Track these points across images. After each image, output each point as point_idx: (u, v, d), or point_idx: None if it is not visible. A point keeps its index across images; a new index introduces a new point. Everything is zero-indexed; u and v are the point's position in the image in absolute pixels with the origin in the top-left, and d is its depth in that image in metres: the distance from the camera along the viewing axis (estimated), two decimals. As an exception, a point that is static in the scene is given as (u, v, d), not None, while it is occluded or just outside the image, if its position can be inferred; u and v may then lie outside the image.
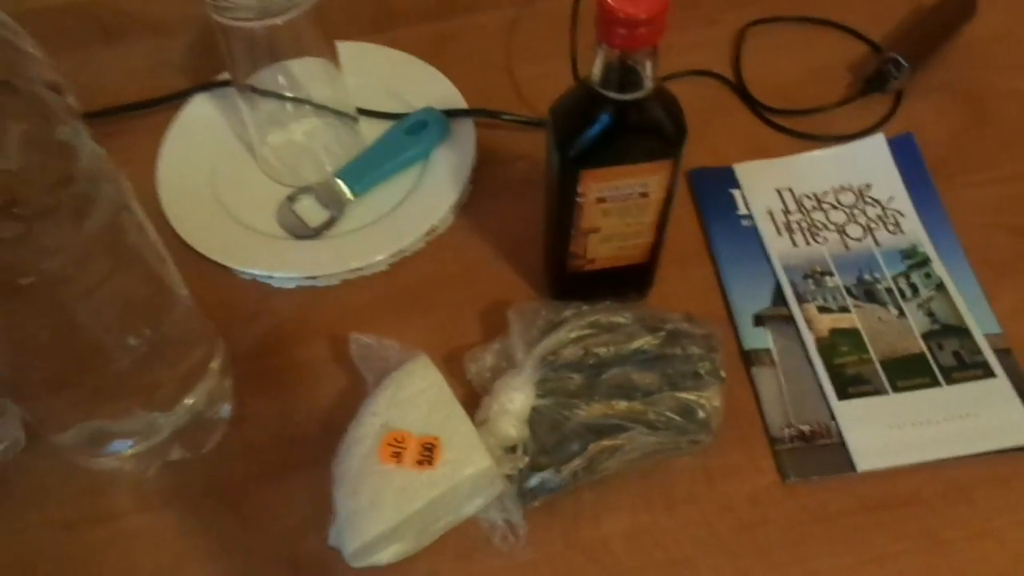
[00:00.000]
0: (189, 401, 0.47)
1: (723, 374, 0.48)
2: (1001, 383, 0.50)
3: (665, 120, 0.42)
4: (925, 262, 0.56)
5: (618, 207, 0.46)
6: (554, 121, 0.44)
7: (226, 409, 0.50)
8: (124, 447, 0.46)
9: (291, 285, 0.56)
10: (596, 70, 0.40)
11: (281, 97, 0.60)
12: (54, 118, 0.31)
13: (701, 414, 0.47)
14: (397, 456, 0.42)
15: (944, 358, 0.51)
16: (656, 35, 0.38)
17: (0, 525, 0.47)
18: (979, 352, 0.52)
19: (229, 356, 0.50)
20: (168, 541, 0.47)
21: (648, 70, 0.40)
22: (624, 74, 0.39)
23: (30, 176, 0.30)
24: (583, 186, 0.44)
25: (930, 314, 0.53)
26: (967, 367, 0.51)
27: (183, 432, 0.48)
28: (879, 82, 0.65)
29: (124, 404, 0.44)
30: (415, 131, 0.60)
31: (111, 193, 0.35)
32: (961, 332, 0.52)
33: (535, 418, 0.47)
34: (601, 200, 0.45)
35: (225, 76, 0.63)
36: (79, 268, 0.35)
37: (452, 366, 0.51)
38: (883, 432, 0.49)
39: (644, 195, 0.45)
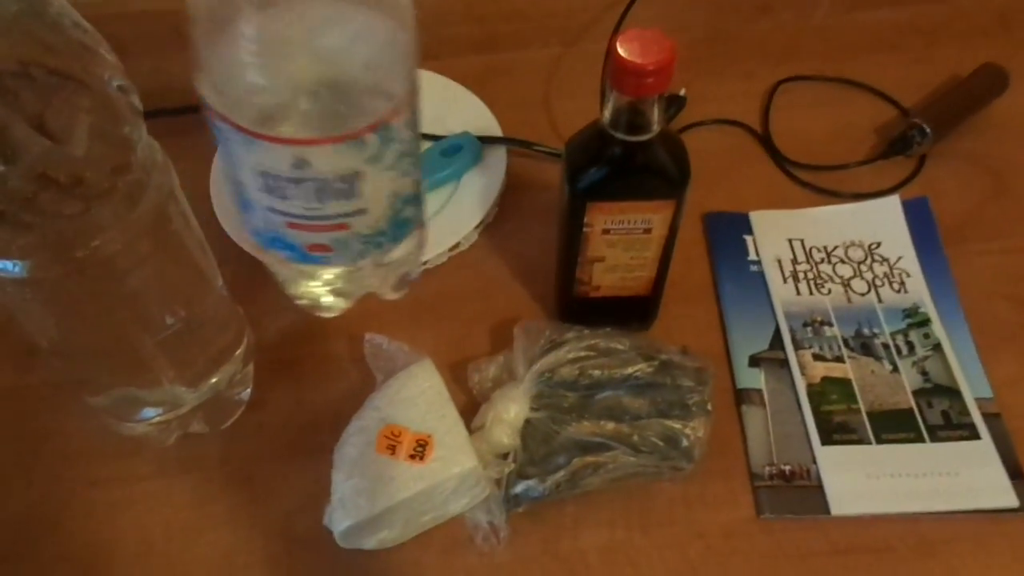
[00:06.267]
0: (213, 380, 0.51)
1: (710, 407, 0.51)
2: (985, 445, 0.52)
3: (669, 163, 0.45)
4: (925, 322, 0.57)
5: (622, 240, 0.49)
6: (568, 155, 0.47)
7: (246, 392, 0.54)
8: (151, 415, 0.51)
9: (320, 285, 0.60)
10: (607, 112, 0.43)
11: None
12: (119, 115, 0.35)
13: (685, 443, 0.50)
14: (392, 449, 0.46)
15: (932, 416, 0.53)
16: (662, 84, 0.41)
17: (33, 477, 0.52)
18: (967, 414, 0.53)
19: (254, 344, 0.55)
20: (181, 506, 0.51)
21: (655, 115, 0.43)
22: (632, 117, 0.43)
23: (93, 163, 0.35)
24: (589, 217, 0.47)
25: (923, 372, 0.55)
26: (954, 427, 0.52)
27: (205, 408, 0.52)
28: (902, 145, 0.67)
29: (155, 376, 0.48)
30: (450, 153, 0.64)
31: (160, 182, 0.40)
32: (952, 393, 0.54)
33: (527, 430, 0.50)
34: (606, 232, 0.48)
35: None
36: (126, 246, 0.39)
37: (457, 374, 0.55)
38: (862, 480, 0.50)
39: (647, 231, 0.48)
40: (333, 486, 0.47)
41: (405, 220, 0.37)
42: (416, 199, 0.38)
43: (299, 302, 0.40)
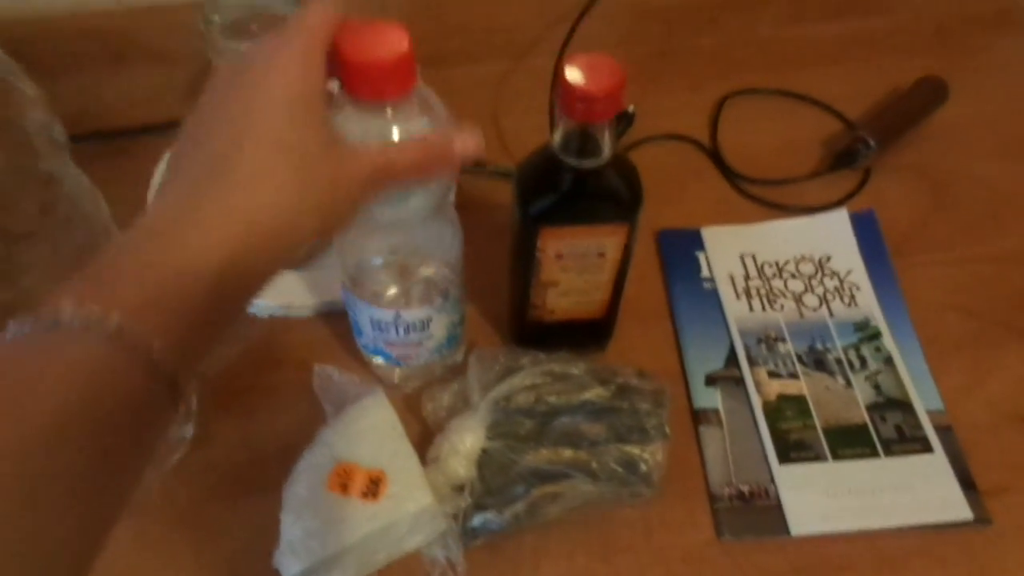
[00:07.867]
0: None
1: (668, 430, 0.50)
2: (938, 459, 0.52)
3: (621, 187, 0.45)
4: (876, 336, 0.58)
5: (576, 264, 0.48)
6: (519, 179, 0.46)
7: (188, 429, 0.52)
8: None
9: (265, 314, 0.58)
10: (557, 137, 0.43)
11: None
12: (39, 151, 0.33)
13: (644, 467, 0.49)
14: (344, 487, 0.44)
15: (886, 430, 0.53)
16: (612, 110, 0.40)
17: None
18: (920, 427, 0.53)
19: (195, 378, 0.52)
20: (121, 553, 0.48)
21: (606, 139, 0.42)
22: (583, 143, 0.42)
23: (11, 203, 0.32)
24: (542, 242, 0.46)
25: (876, 387, 0.55)
26: (907, 441, 0.53)
27: (146, 448, 0.50)
28: (848, 158, 0.67)
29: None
30: (398, 174, 0.63)
31: (90, 212, 0.38)
32: (904, 406, 0.54)
33: (484, 460, 0.49)
34: (559, 256, 0.47)
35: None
36: (57, 283, 0.37)
37: (411, 403, 0.53)
38: (820, 498, 0.50)
39: (601, 255, 0.47)
40: (282, 527, 0.45)
41: (455, 336, 0.54)
42: (461, 322, 0.54)
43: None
